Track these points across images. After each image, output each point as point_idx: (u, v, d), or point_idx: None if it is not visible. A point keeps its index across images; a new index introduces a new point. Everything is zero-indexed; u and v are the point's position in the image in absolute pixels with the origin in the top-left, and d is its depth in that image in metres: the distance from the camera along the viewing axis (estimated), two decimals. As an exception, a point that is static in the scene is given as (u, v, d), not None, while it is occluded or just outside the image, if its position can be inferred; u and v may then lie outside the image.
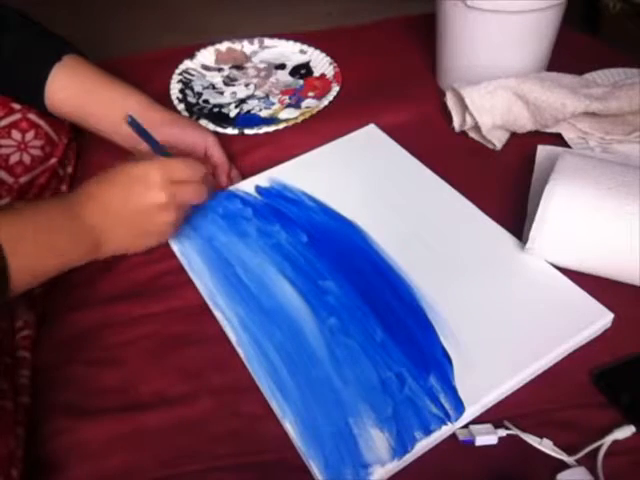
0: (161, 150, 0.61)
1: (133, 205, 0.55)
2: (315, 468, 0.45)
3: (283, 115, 0.80)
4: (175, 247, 0.62)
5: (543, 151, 0.71)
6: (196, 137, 0.66)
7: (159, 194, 0.55)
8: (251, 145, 0.75)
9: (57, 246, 0.51)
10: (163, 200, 0.55)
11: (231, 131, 0.76)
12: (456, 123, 0.75)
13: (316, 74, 0.88)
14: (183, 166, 0.57)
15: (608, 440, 0.46)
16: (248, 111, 0.82)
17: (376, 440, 0.46)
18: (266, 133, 0.76)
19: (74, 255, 0.53)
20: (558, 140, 0.73)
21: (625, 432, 0.46)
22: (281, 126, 0.76)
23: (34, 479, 0.46)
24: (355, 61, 0.88)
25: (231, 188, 0.67)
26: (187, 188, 0.57)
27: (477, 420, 0.48)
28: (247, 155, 0.74)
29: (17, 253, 0.46)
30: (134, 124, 0.62)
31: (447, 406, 0.47)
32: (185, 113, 0.79)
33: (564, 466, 0.45)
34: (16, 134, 0.66)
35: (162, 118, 0.65)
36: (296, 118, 0.78)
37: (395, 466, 0.45)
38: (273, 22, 1.24)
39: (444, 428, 0.46)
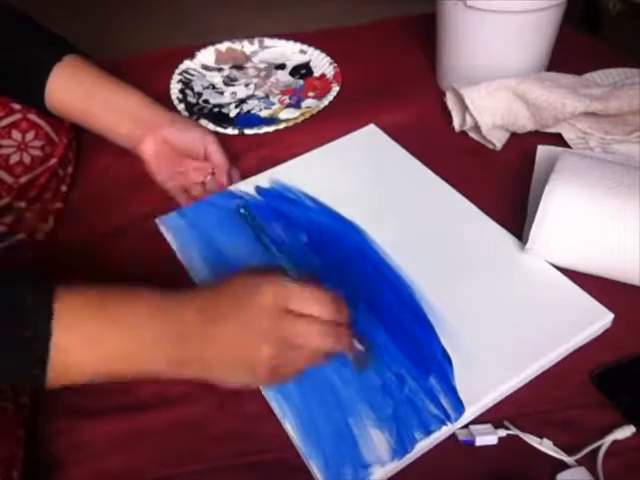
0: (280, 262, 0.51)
1: (238, 322, 0.43)
2: (315, 468, 0.45)
3: (283, 115, 0.80)
4: (175, 246, 0.62)
5: (543, 151, 0.71)
6: (196, 137, 0.66)
7: (263, 319, 0.43)
8: (251, 145, 0.75)
9: (135, 351, 0.41)
10: (266, 328, 0.43)
11: (231, 131, 0.76)
12: (456, 123, 0.75)
13: (316, 74, 0.88)
14: (307, 295, 0.44)
15: (608, 440, 0.46)
16: (248, 111, 0.82)
17: (376, 440, 0.46)
18: (266, 133, 0.76)
19: (152, 365, 0.43)
20: (558, 140, 0.73)
21: (625, 432, 0.46)
22: (281, 126, 0.76)
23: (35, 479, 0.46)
24: (355, 61, 0.88)
25: (231, 188, 0.67)
26: (306, 327, 0.44)
27: (477, 420, 0.48)
28: (247, 155, 0.74)
29: (72, 347, 0.39)
30: (249, 215, 0.59)
31: (447, 406, 0.47)
32: (185, 113, 0.79)
33: (564, 466, 0.45)
34: (16, 134, 0.66)
35: (162, 118, 0.65)
36: (296, 118, 0.78)
37: (395, 466, 0.45)
38: (273, 22, 1.24)
39: (444, 428, 0.46)
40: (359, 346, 0.48)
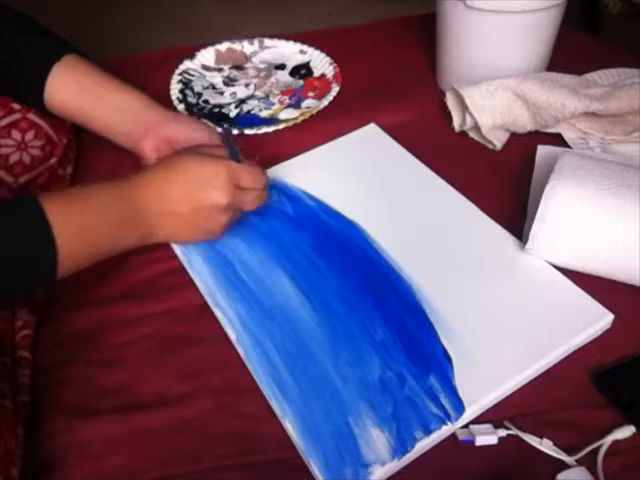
0: (236, 157, 0.60)
1: (194, 202, 0.55)
2: (315, 468, 0.45)
3: (283, 115, 0.80)
4: (175, 246, 0.62)
5: (543, 151, 0.71)
6: (198, 133, 0.66)
7: (223, 197, 0.55)
8: (251, 145, 0.75)
9: (108, 230, 0.52)
10: (224, 203, 0.55)
11: (231, 131, 0.76)
12: (456, 123, 0.75)
13: (316, 74, 0.88)
14: (250, 173, 0.57)
15: (608, 440, 0.46)
16: (248, 111, 0.82)
17: (376, 440, 0.46)
18: (266, 133, 0.76)
19: (126, 239, 0.54)
20: (558, 140, 0.73)
21: (625, 432, 0.46)
22: (281, 126, 0.76)
23: (34, 479, 0.46)
24: (355, 61, 0.88)
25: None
26: (249, 196, 0.58)
27: (477, 420, 0.48)
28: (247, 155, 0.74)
29: (65, 236, 0.47)
30: (228, 132, 0.63)
31: (447, 406, 0.47)
32: (185, 113, 0.79)
33: (564, 466, 0.45)
34: (16, 134, 0.66)
35: (163, 116, 0.65)
36: (296, 118, 0.78)
37: (395, 466, 0.45)
38: (273, 22, 1.24)
39: (444, 428, 0.46)
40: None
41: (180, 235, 0.59)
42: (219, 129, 0.64)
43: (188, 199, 0.55)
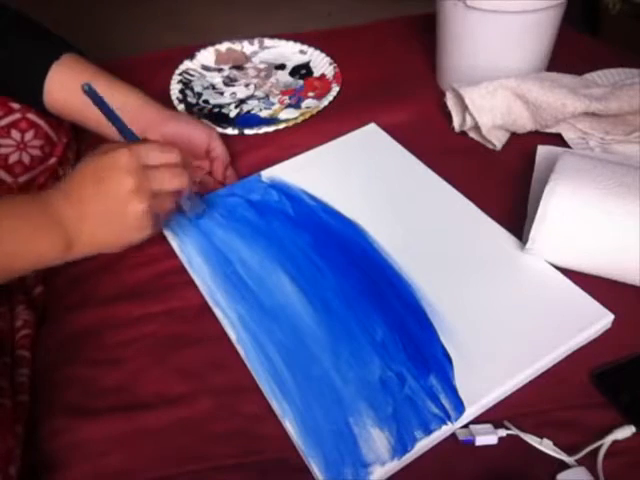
0: (131, 135, 0.57)
1: (104, 193, 0.51)
2: (315, 467, 0.45)
3: (283, 115, 0.80)
4: (175, 245, 0.62)
5: (543, 151, 0.71)
6: (198, 132, 0.66)
7: (127, 179, 0.51)
8: (251, 145, 0.75)
9: (22, 240, 0.49)
10: (132, 186, 0.51)
11: (231, 131, 0.76)
12: (456, 123, 0.75)
13: (316, 74, 0.87)
14: (156, 149, 0.54)
15: (608, 440, 0.46)
16: (248, 111, 0.82)
17: (376, 439, 0.46)
18: (266, 133, 0.76)
19: (42, 250, 0.50)
20: (558, 140, 0.73)
21: (625, 432, 0.46)
22: (281, 126, 0.76)
23: (34, 478, 0.46)
24: (355, 61, 0.88)
25: (231, 186, 0.67)
26: (161, 173, 0.54)
27: (477, 420, 0.48)
28: (247, 155, 0.74)
29: None
30: (91, 93, 0.55)
31: (447, 406, 0.47)
32: (185, 113, 0.79)
33: (564, 466, 0.45)
34: (15, 134, 0.66)
35: (163, 115, 0.65)
36: (296, 118, 0.78)
37: (395, 466, 0.45)
38: (273, 22, 1.24)
39: (444, 428, 0.46)
40: (195, 189, 0.59)
41: (105, 239, 0.54)
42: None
43: (100, 194, 0.51)
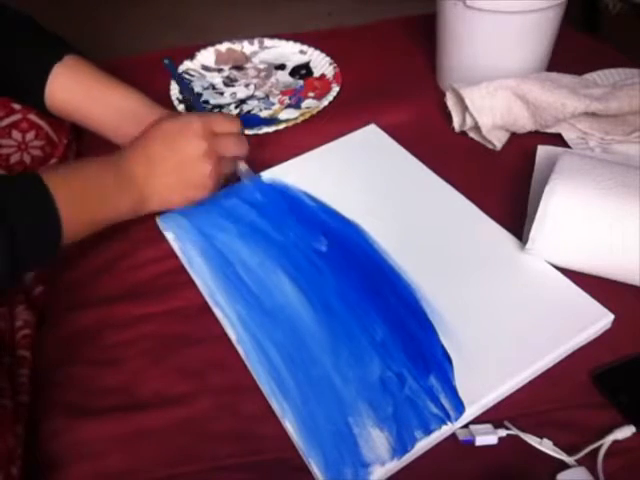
0: (201, 107, 0.64)
1: (176, 155, 0.58)
2: (315, 467, 0.45)
3: (283, 115, 0.80)
4: (175, 245, 0.62)
5: (543, 151, 0.71)
6: None
7: (201, 143, 0.58)
8: (251, 145, 0.75)
9: (104, 196, 0.55)
10: (204, 149, 0.58)
11: (231, 131, 0.76)
12: (456, 123, 0.75)
13: (316, 74, 0.88)
14: (222, 119, 0.62)
15: (608, 440, 0.46)
16: (248, 111, 0.82)
17: (376, 439, 0.46)
18: (266, 133, 0.76)
19: (121, 205, 0.56)
20: (558, 140, 0.73)
21: (625, 432, 0.46)
22: (281, 126, 0.76)
23: (34, 478, 0.46)
24: (355, 61, 0.88)
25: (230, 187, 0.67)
26: (227, 140, 0.61)
27: (477, 420, 0.48)
28: (247, 155, 0.74)
29: (67, 204, 0.50)
30: (170, 67, 0.66)
31: (447, 406, 0.47)
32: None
33: (564, 466, 0.45)
34: (16, 134, 0.66)
35: (163, 117, 0.65)
36: (296, 118, 0.78)
37: (395, 466, 0.45)
38: (273, 22, 1.24)
39: (444, 428, 0.46)
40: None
41: (171, 196, 0.60)
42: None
43: (169, 155, 0.58)
